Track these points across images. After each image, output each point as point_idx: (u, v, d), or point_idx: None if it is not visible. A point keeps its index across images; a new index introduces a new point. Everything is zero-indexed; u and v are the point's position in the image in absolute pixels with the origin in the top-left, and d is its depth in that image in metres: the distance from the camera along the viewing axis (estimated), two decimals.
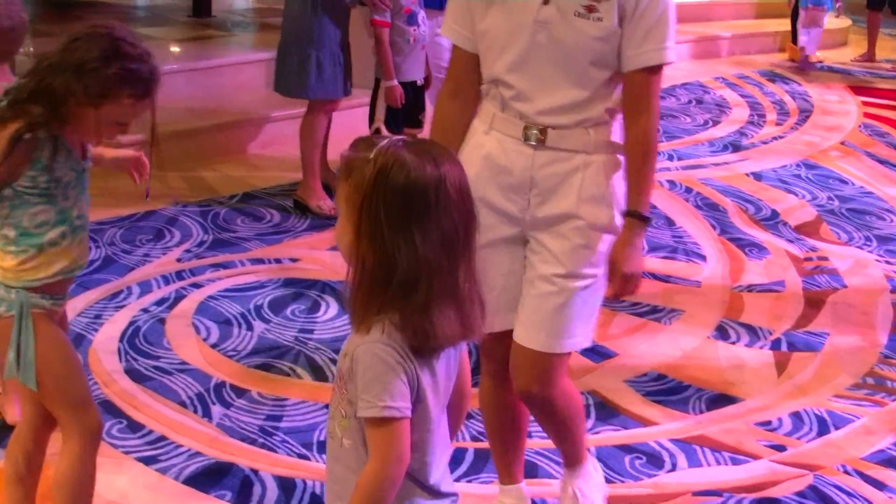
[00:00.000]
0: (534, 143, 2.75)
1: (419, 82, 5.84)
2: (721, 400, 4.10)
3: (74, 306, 4.36)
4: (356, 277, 1.97)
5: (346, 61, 5.66)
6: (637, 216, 2.76)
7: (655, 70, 2.73)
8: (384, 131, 5.74)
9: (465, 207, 1.99)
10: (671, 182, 6.70)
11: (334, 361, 3.88)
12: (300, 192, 5.83)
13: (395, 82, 5.62)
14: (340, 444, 2.08)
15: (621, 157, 2.79)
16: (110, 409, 3.74)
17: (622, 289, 2.80)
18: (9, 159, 2.52)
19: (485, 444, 3.61)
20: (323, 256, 5.18)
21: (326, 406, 3.66)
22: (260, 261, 5.10)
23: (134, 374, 3.99)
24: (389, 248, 1.93)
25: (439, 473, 2.13)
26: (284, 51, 5.71)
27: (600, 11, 2.63)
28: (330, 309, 4.63)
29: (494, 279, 2.85)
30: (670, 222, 5.97)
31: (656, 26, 2.67)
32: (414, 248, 1.93)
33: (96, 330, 4.29)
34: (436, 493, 2.11)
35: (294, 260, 5.13)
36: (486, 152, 2.82)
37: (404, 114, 5.75)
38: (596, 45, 2.66)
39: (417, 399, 2.00)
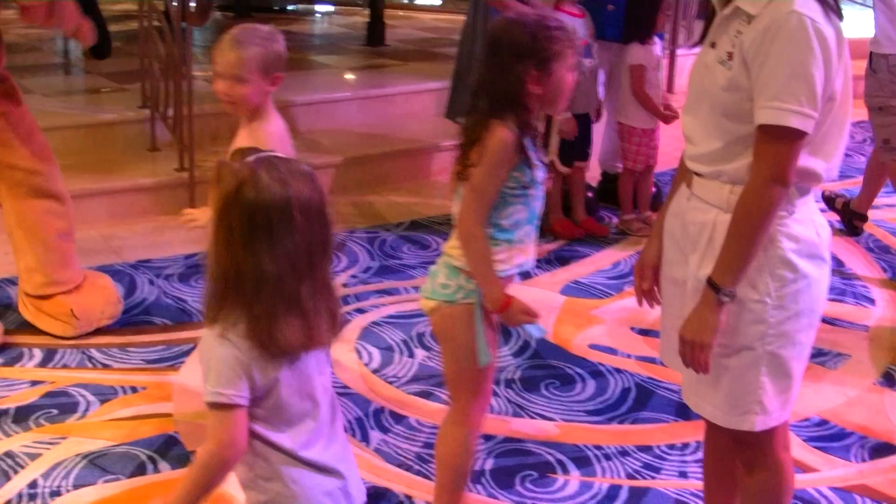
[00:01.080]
0: (689, 188, 2.70)
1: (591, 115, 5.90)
2: (885, 449, 3.98)
3: None
4: (210, 278, 2.14)
5: None
6: (710, 283, 2.52)
7: (767, 132, 2.43)
8: (558, 165, 5.76)
9: (312, 229, 2.11)
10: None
11: (495, 393, 3.89)
12: None
13: (570, 114, 5.64)
14: None
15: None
16: None
17: (680, 352, 2.61)
18: (506, 165, 2.74)
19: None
20: None
21: (487, 437, 3.72)
22: None
23: None
24: (239, 257, 2.08)
25: (323, 453, 2.28)
26: (456, 78, 5.87)
27: (735, 60, 2.49)
28: None
29: (667, 316, 2.81)
30: (840, 264, 5.84)
31: (770, 79, 2.41)
32: (258, 262, 2.08)
33: None
34: (317, 467, 2.26)
35: None
36: (684, 188, 2.77)
37: (575, 146, 5.79)
38: (722, 94, 2.52)
39: (268, 392, 2.17)
